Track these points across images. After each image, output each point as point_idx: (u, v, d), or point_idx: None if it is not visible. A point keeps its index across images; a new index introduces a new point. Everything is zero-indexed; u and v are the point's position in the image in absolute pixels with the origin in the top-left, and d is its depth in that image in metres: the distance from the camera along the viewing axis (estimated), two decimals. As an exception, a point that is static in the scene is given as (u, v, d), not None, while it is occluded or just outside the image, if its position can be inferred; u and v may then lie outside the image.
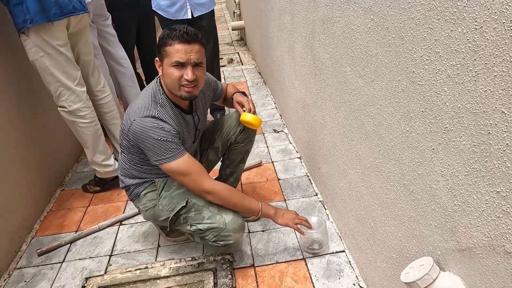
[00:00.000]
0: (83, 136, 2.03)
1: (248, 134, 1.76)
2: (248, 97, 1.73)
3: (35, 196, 2.03)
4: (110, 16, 2.49)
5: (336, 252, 1.65)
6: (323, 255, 1.64)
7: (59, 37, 1.81)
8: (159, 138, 1.35)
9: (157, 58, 1.41)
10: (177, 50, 1.32)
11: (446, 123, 0.81)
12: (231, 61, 4.42)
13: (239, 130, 1.73)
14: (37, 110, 2.13)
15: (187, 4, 2.51)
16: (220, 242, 1.50)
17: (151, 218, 1.59)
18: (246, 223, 1.84)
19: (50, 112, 2.26)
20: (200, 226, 1.49)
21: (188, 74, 1.34)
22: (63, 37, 1.83)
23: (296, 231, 1.76)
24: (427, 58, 0.84)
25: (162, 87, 1.45)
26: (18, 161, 1.90)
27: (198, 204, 1.50)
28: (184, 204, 1.49)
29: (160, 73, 1.42)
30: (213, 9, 2.68)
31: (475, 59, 0.70)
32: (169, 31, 1.35)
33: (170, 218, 1.51)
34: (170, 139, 1.36)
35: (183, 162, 1.39)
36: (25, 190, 1.93)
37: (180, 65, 1.34)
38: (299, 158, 2.35)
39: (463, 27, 0.71)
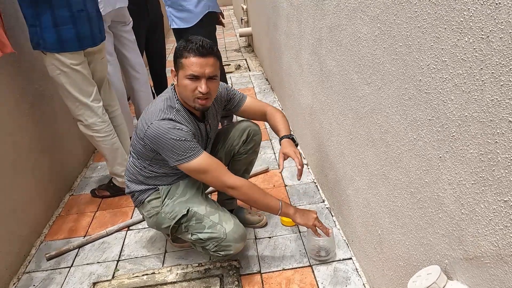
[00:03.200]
0: (101, 150, 2.08)
1: (251, 145, 1.75)
2: (296, 145, 1.61)
3: (45, 201, 2.05)
4: (131, 22, 2.54)
5: (343, 260, 1.64)
6: (330, 262, 1.63)
7: (75, 58, 1.85)
8: (177, 138, 1.37)
9: (172, 69, 1.44)
10: (192, 63, 1.36)
11: (453, 131, 0.81)
12: (238, 67, 4.44)
13: (242, 141, 1.72)
14: (48, 116, 2.17)
15: (171, 14, 2.54)
16: (221, 252, 1.50)
17: (154, 225, 1.61)
18: (253, 229, 1.86)
19: (61, 117, 2.30)
20: (200, 236, 1.49)
21: (202, 87, 1.38)
22: (78, 58, 1.87)
23: (303, 238, 1.76)
24: (434, 66, 0.84)
25: (177, 95, 1.48)
26: (30, 166, 1.94)
27: (199, 213, 1.50)
28: (185, 212, 1.50)
29: (175, 83, 1.46)
30: (196, 25, 2.49)
31: (481, 68, 0.70)
32: (185, 43, 1.38)
33: (171, 226, 1.52)
34: (189, 139, 1.39)
35: (203, 160, 1.41)
36: (35, 194, 1.96)
37: (195, 78, 1.37)
38: (306, 164, 2.35)
39: (469, 37, 0.71)
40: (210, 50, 1.38)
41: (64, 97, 1.93)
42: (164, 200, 1.54)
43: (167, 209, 1.53)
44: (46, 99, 2.16)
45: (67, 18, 1.76)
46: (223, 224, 1.48)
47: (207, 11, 2.50)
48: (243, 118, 1.78)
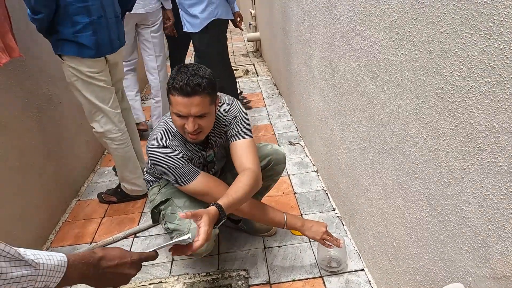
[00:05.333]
0: (113, 156, 2.07)
1: (270, 173, 1.64)
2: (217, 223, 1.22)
3: (51, 207, 2.03)
4: (157, 25, 2.70)
5: (355, 271, 1.59)
6: (341, 273, 1.59)
7: (95, 66, 1.83)
8: (169, 166, 1.40)
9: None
10: (178, 103, 1.28)
11: (479, 142, 0.77)
12: (246, 72, 4.42)
13: (262, 166, 1.56)
14: (55, 121, 2.15)
15: (183, 17, 2.54)
16: None
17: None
18: (262, 238, 1.81)
19: (68, 122, 2.28)
20: (169, 225, 1.49)
21: (189, 125, 1.31)
22: (99, 66, 1.85)
23: (314, 247, 1.72)
24: (458, 74, 0.80)
25: None
26: (36, 171, 1.92)
27: (175, 204, 1.52)
28: (163, 199, 1.55)
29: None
30: (200, 31, 2.48)
31: (513, 76, 0.66)
32: (174, 77, 1.27)
33: (151, 211, 1.61)
34: (181, 165, 1.40)
35: (200, 183, 1.41)
36: (41, 200, 1.94)
37: (182, 116, 1.31)
38: (316, 171, 2.30)
39: (500, 43, 0.67)
40: (197, 88, 1.25)
41: (81, 103, 1.91)
42: (160, 189, 1.61)
43: (159, 197, 1.59)
44: (54, 104, 2.15)
45: (86, 25, 1.73)
46: (191, 220, 1.41)
47: (213, 18, 2.46)
48: (269, 143, 1.68)
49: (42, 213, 1.94)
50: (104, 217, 2.10)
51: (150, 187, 1.67)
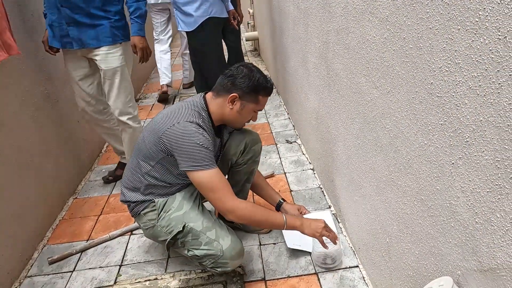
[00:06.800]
0: (134, 141, 2.14)
1: (250, 155, 1.71)
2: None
3: (48, 204, 2.04)
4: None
5: (350, 267, 1.60)
6: (336, 270, 1.60)
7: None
8: (200, 143, 1.35)
9: (236, 94, 1.45)
10: (265, 102, 1.54)
11: (467, 136, 0.78)
12: (244, 71, 4.42)
13: (240, 151, 1.68)
14: (53, 119, 2.16)
15: (177, 16, 2.54)
16: (218, 269, 1.47)
17: (151, 237, 1.59)
18: (258, 235, 1.82)
19: (66, 120, 2.29)
20: (197, 252, 1.46)
21: (256, 117, 1.58)
22: None
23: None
24: (447, 69, 0.81)
25: (207, 106, 1.47)
26: (34, 169, 1.92)
27: (195, 229, 1.47)
28: (181, 228, 1.46)
29: (231, 107, 1.47)
30: (195, 30, 2.47)
31: (498, 70, 0.67)
32: (265, 81, 1.48)
33: (167, 241, 1.49)
34: (210, 148, 1.39)
35: (214, 175, 1.37)
36: (38, 198, 1.95)
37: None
38: (312, 169, 2.31)
39: (485, 38, 0.68)
40: None
41: (121, 90, 2.02)
42: (160, 213, 1.51)
43: (163, 223, 1.50)
44: (51, 102, 2.16)
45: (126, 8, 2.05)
46: (220, 241, 1.45)
47: (207, 16, 2.45)
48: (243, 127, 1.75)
49: (40, 210, 1.95)
50: (100, 214, 2.10)
51: (142, 213, 1.53)
